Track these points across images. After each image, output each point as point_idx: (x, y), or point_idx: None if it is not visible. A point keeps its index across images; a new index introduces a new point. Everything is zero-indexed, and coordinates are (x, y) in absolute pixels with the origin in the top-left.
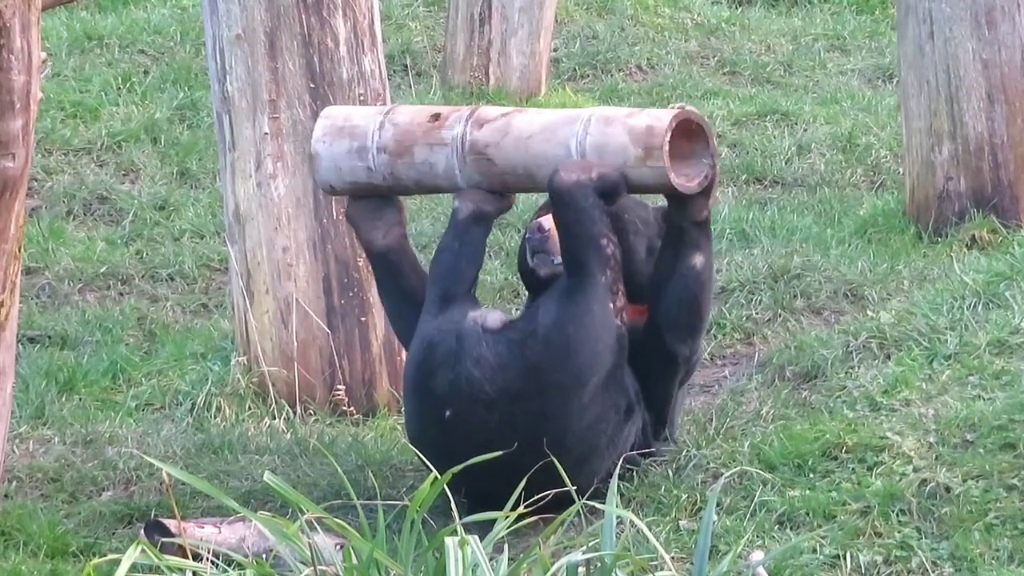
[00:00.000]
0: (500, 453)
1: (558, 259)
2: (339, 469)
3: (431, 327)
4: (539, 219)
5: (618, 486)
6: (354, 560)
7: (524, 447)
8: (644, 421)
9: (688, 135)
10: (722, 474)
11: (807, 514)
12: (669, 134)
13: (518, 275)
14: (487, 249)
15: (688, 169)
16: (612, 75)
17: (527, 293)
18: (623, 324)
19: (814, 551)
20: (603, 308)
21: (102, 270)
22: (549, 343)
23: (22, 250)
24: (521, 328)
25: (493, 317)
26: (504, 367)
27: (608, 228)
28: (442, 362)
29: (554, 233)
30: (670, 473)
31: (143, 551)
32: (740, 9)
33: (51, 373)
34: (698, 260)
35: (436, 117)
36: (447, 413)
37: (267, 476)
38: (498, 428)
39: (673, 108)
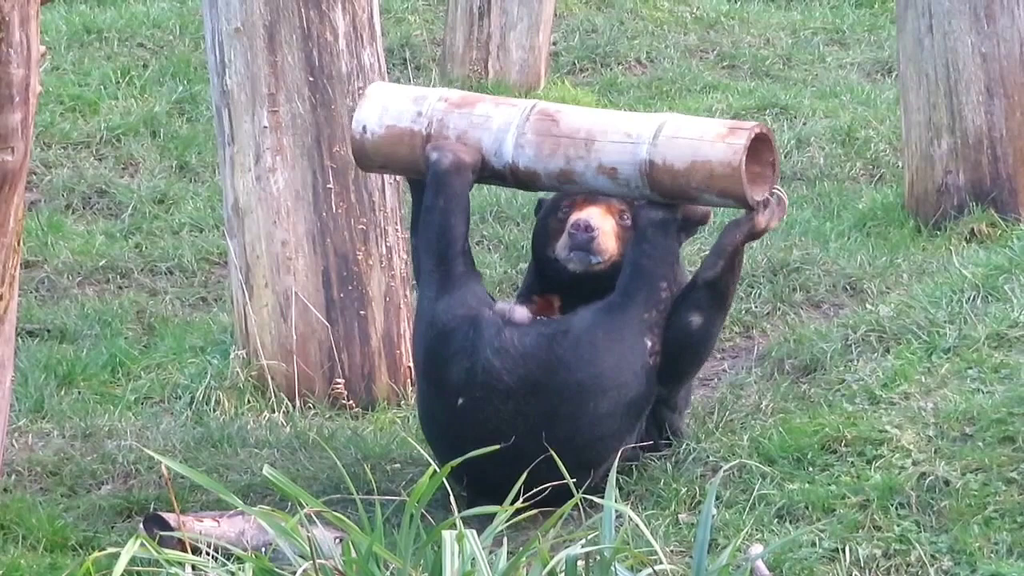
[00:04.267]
0: (499, 447)
1: (598, 259)
2: (338, 463)
3: (441, 309)
4: (585, 215)
5: (617, 479)
6: (353, 554)
7: (533, 440)
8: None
9: (759, 164)
10: (721, 467)
11: (806, 507)
12: (756, 131)
13: (516, 270)
14: (486, 243)
15: (756, 188)
16: (611, 69)
17: (538, 280)
18: (655, 366)
19: (813, 544)
20: (635, 337)
21: (101, 263)
22: (579, 344)
23: (21, 243)
24: (553, 325)
25: (520, 312)
26: (527, 357)
27: (673, 274)
28: (458, 350)
29: (603, 233)
30: (669, 467)
31: (142, 544)
32: (739, 3)
33: (50, 366)
34: (695, 319)
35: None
36: (459, 401)
37: (266, 470)
38: (510, 419)
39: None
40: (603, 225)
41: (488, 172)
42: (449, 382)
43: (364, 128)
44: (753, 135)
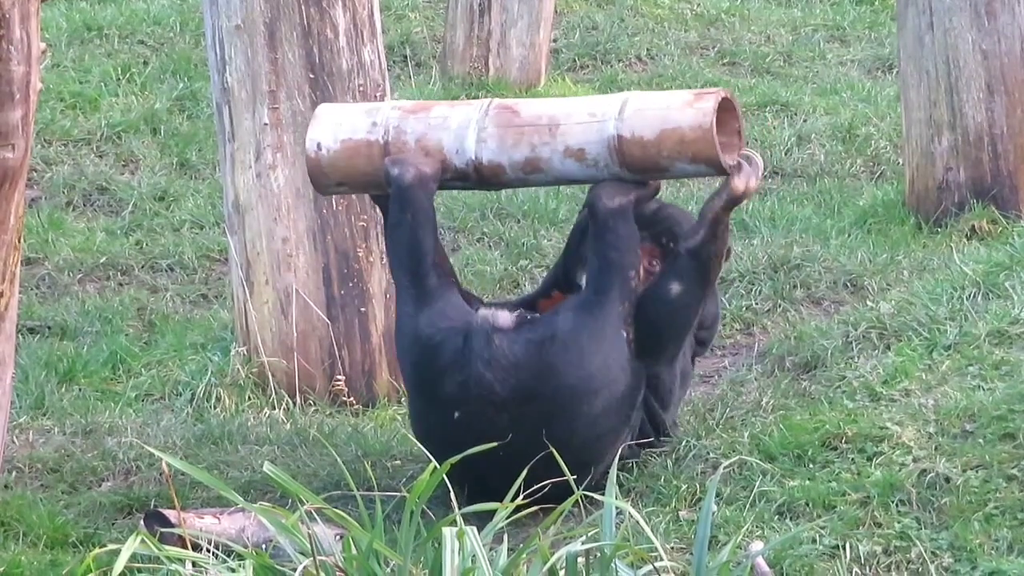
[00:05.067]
0: (498, 449)
1: None
2: (339, 459)
3: (424, 323)
4: None
5: (617, 476)
6: (353, 550)
7: (531, 447)
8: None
9: (725, 134)
10: (722, 464)
11: (807, 504)
12: (722, 95)
13: (517, 267)
14: (487, 240)
15: (727, 155)
16: (612, 66)
17: (565, 280)
18: (633, 357)
19: (814, 541)
20: (615, 333)
21: (102, 260)
22: (567, 347)
23: (22, 240)
24: (540, 330)
25: (504, 316)
26: (519, 367)
27: (638, 260)
28: (450, 363)
29: None
30: (669, 463)
31: (143, 541)
32: (740, 0)
33: (51, 363)
34: (674, 287)
35: None
36: (456, 414)
37: (267, 466)
38: (507, 428)
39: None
40: None
41: (450, 174)
42: (443, 396)
43: (319, 145)
44: (720, 99)
